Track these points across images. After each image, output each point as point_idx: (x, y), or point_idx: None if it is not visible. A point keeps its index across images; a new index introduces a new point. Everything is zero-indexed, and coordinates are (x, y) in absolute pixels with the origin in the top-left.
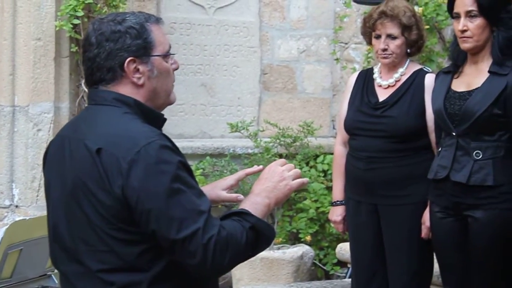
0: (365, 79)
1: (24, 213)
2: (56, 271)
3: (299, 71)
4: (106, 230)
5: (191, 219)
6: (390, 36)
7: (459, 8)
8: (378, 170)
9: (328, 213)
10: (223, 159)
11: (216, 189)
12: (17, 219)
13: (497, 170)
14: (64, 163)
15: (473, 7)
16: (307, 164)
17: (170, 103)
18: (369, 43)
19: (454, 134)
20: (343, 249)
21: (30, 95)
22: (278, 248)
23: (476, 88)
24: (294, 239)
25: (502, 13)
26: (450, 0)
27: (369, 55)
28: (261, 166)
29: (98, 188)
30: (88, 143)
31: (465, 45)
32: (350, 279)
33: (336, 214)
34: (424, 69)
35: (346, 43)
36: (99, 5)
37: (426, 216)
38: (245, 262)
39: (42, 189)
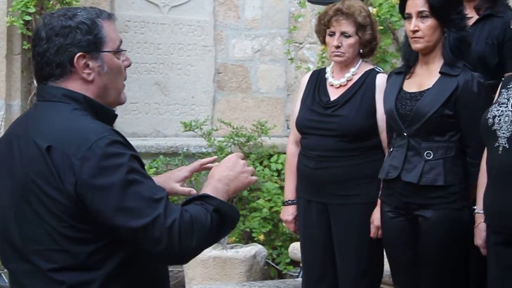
0: (318, 79)
1: None
2: (6, 270)
3: (254, 71)
4: (58, 229)
5: (150, 207)
6: (344, 34)
7: (410, 8)
8: (328, 169)
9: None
10: (176, 158)
11: (170, 181)
12: None
13: (448, 170)
14: (13, 161)
15: (424, 8)
16: (261, 163)
17: (120, 103)
18: (323, 41)
19: (405, 134)
20: (296, 249)
21: None
22: (231, 247)
23: (427, 89)
24: (247, 238)
25: (453, 14)
26: (402, 1)
27: (323, 55)
28: (215, 157)
29: (49, 186)
30: (37, 140)
31: (416, 46)
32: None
33: (288, 213)
34: (376, 69)
35: (300, 43)
36: (51, 2)
37: (375, 215)
38: (198, 261)
39: None
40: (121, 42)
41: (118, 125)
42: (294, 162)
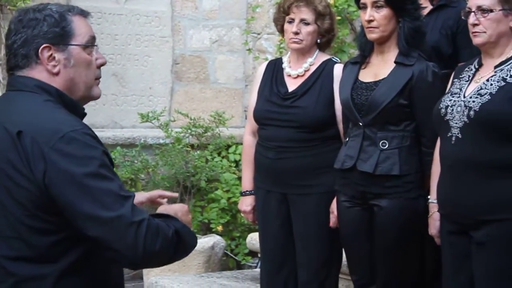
0: (274, 69)
1: None
2: None
3: (212, 61)
4: (19, 217)
5: (119, 203)
6: (304, 21)
7: None
8: (287, 160)
9: None
10: (133, 149)
11: None
12: None
13: (403, 159)
14: None
15: None
16: (219, 154)
17: (93, 98)
18: (281, 30)
19: (361, 124)
20: (254, 239)
21: None
22: None
23: (383, 79)
24: (205, 229)
25: (407, 3)
26: None
27: (281, 45)
28: (176, 194)
29: (16, 173)
30: (8, 126)
31: (371, 35)
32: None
33: (246, 204)
34: (333, 59)
35: (258, 34)
36: None
37: (334, 205)
38: None
39: None
40: (93, 38)
41: None
42: (251, 153)
